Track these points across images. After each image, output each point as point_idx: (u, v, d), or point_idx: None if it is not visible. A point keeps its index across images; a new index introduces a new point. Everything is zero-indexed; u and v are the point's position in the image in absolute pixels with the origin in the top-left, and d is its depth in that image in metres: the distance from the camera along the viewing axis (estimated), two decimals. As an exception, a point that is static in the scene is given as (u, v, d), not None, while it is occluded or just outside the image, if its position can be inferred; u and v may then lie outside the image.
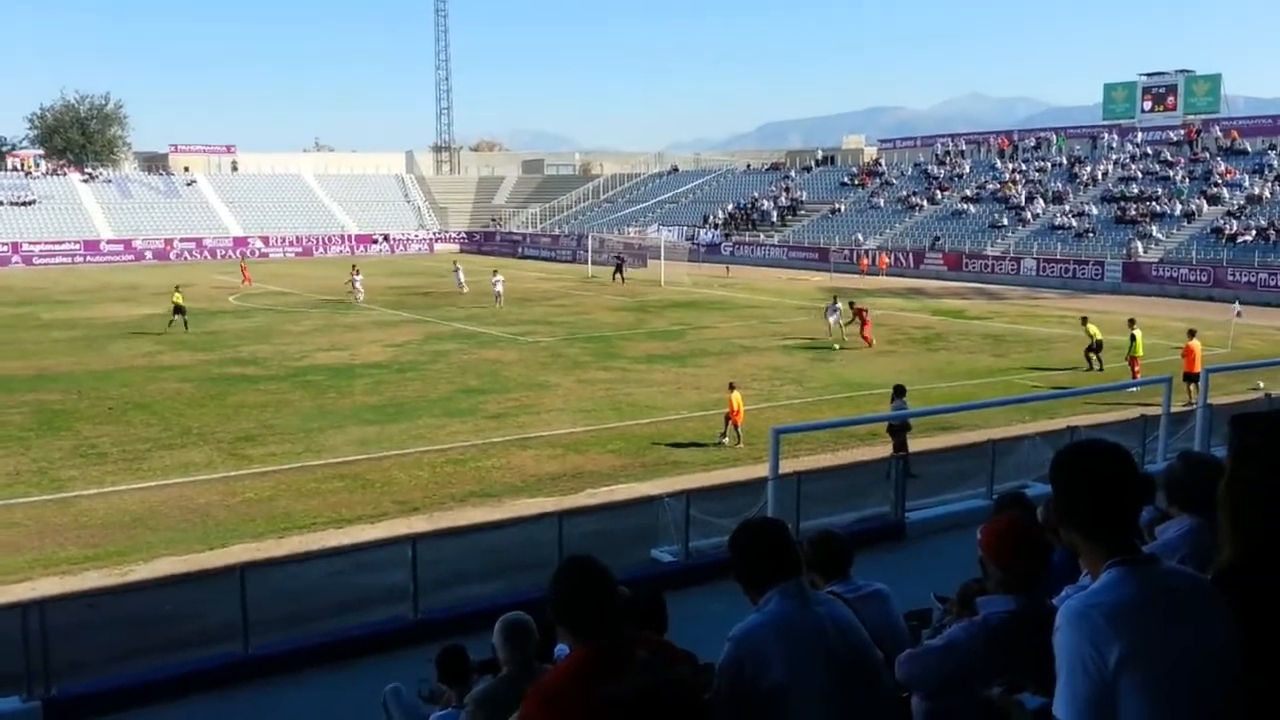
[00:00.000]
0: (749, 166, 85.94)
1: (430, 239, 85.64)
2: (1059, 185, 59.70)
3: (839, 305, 33.14)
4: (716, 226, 71.06)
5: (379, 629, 11.02)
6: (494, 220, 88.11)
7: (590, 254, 62.35)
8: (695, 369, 28.01)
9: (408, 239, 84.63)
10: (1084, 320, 28.35)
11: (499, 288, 43.12)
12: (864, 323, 31.65)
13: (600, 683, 2.91)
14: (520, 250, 76.88)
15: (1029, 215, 57.46)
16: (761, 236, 67.96)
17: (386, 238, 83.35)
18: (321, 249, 79.46)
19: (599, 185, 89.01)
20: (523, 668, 4.59)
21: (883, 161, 76.87)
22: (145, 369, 28.21)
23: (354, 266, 49.70)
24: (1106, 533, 2.46)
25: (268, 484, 17.54)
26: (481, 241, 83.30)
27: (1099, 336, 27.11)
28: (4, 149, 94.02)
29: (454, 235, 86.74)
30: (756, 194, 74.47)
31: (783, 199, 72.55)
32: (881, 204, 66.44)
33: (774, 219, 70.37)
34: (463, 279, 47.60)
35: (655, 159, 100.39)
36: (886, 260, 56.77)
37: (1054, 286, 48.96)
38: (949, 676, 3.43)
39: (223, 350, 31.36)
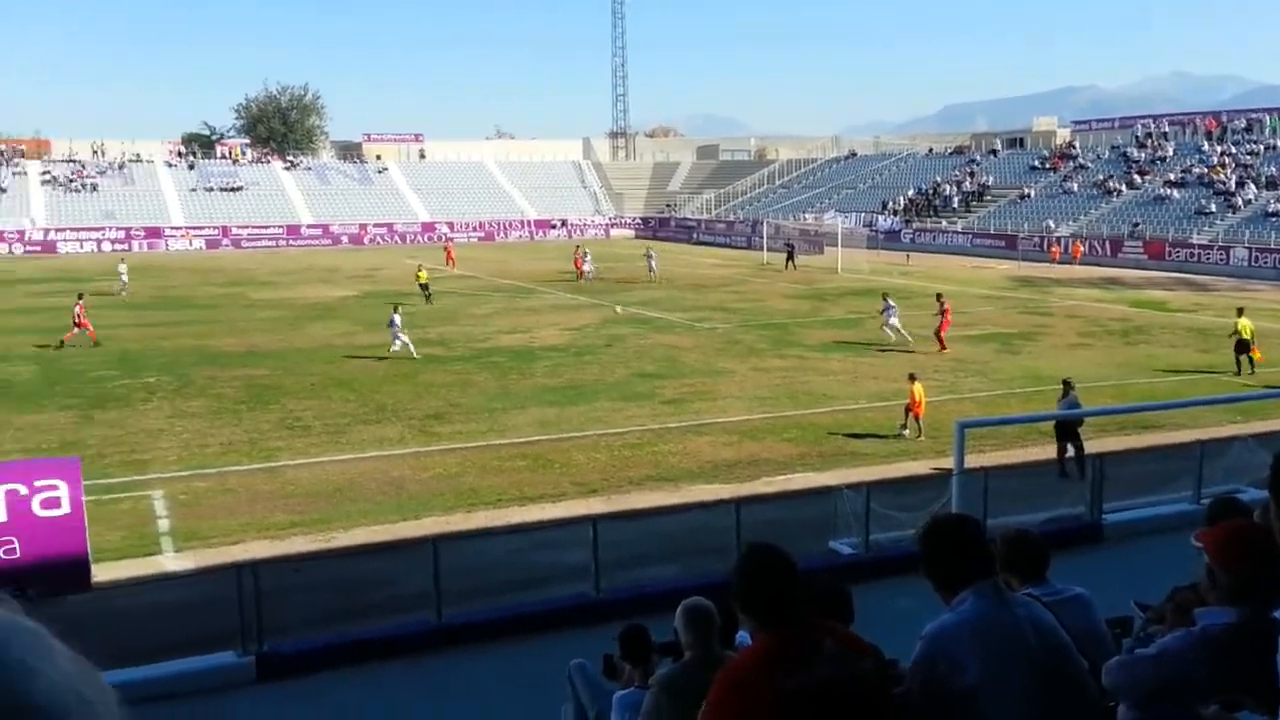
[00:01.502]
0: (931, 150, 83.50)
1: (606, 224, 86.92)
2: (1273, 169, 55.74)
3: (892, 304, 29.34)
4: (896, 213, 69.46)
5: (562, 605, 11.39)
6: (668, 206, 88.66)
7: (765, 240, 62.00)
8: (874, 358, 27.56)
9: (584, 224, 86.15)
10: (1240, 312, 25.58)
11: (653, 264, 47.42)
12: (942, 320, 28.15)
13: (785, 672, 2.93)
14: (694, 236, 77.14)
15: (1239, 201, 53.86)
16: (944, 223, 66.04)
17: (564, 223, 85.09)
18: (502, 234, 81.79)
19: (774, 171, 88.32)
20: (705, 653, 4.68)
21: (1076, 144, 73.41)
22: (343, 347, 29.74)
23: (578, 248, 52.24)
24: None
25: (455, 460, 18.27)
26: (656, 227, 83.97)
27: (1248, 333, 24.52)
28: (214, 138, 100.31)
29: (629, 221, 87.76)
30: (939, 179, 72.39)
31: (967, 184, 70.28)
32: (1075, 189, 63.48)
33: (956, 205, 68.31)
34: (655, 266, 48.17)
35: (832, 143, 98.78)
36: (1080, 248, 54.19)
37: (1268, 278, 45.68)
38: (1162, 687, 3.32)
39: (413, 331, 32.62)
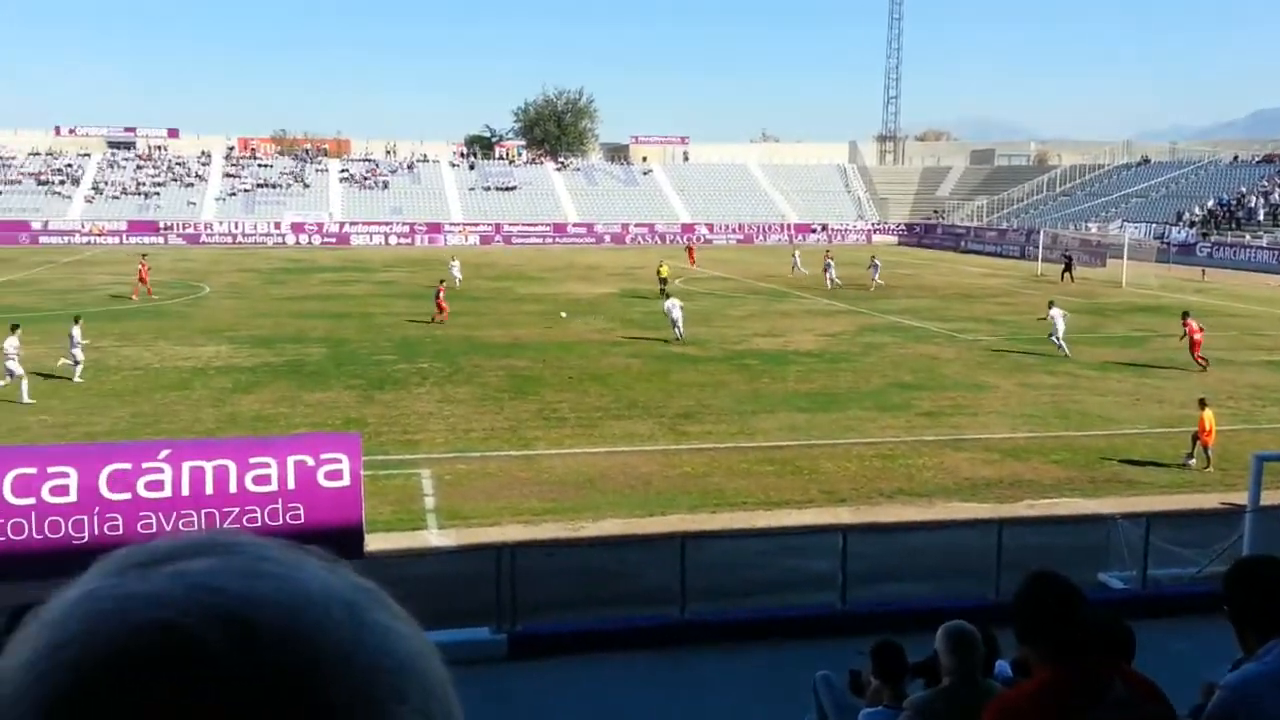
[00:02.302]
0: (1236, 158, 76.60)
1: (868, 230, 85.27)
2: None
3: (1054, 310, 28.78)
4: (1192, 224, 64.30)
5: (805, 613, 11.17)
6: (936, 213, 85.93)
7: (1041, 250, 58.86)
8: (1158, 380, 25.56)
9: (845, 229, 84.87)
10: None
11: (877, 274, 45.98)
12: (1192, 341, 26.40)
13: (1070, 711, 2.68)
14: (963, 244, 74.36)
15: None
16: (1247, 237, 60.45)
17: (824, 227, 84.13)
18: (761, 237, 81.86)
19: (1055, 177, 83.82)
20: (965, 680, 4.39)
21: (1407, 153, 65.57)
22: (600, 343, 30.54)
23: (827, 252, 52.18)
24: None
25: (703, 460, 18.32)
26: (921, 234, 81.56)
27: None
28: (494, 140, 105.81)
29: (892, 227, 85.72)
30: (1244, 189, 66.43)
31: (1276, 195, 64.13)
32: (1403, 203, 56.73)
33: (1262, 217, 62.42)
34: (877, 275, 46.73)
35: (1122, 148, 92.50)
36: None
37: None
38: None
39: (668, 330, 33.19)
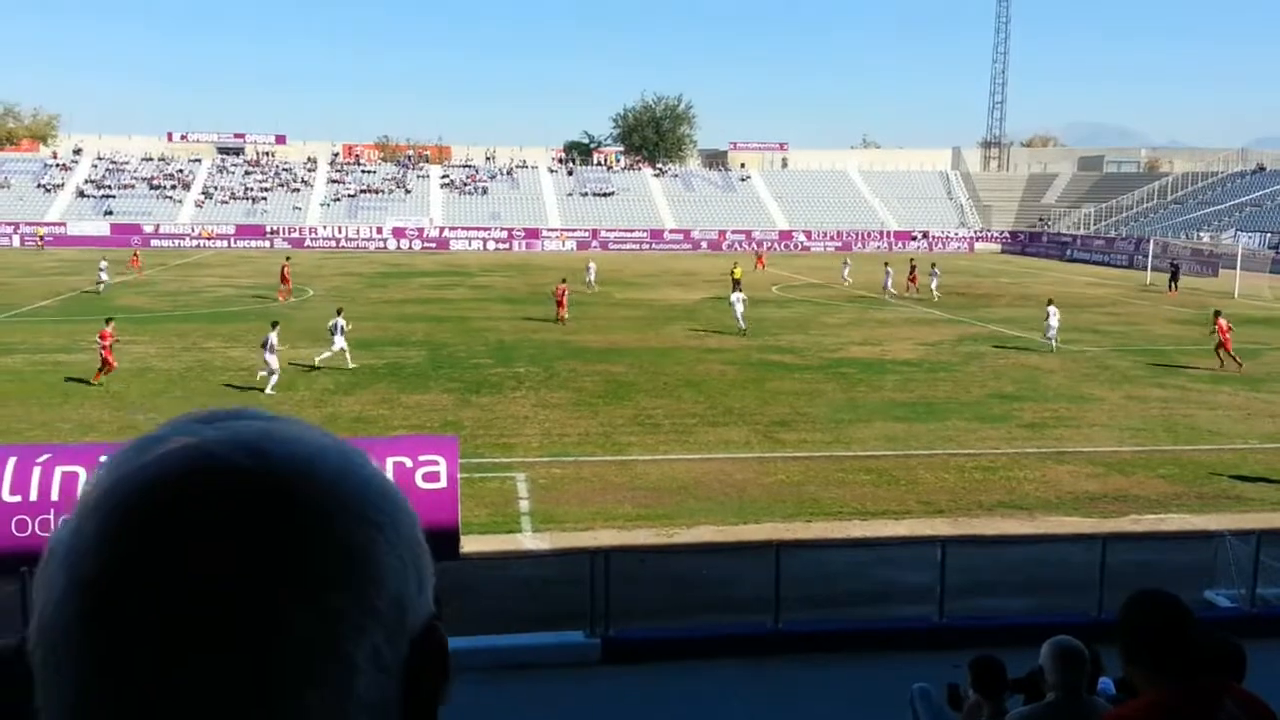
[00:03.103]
0: (1356, 165, 73.47)
1: (971, 238, 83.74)
2: None
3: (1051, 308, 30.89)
4: (1309, 233, 61.77)
5: (902, 626, 11.03)
6: (1041, 220, 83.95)
7: (1150, 259, 57.12)
8: (1272, 395, 24.61)
9: (947, 237, 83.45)
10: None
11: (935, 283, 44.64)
12: (1223, 339, 27.99)
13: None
14: (1069, 253, 72.57)
15: None
16: (1368, 247, 57.89)
17: (925, 235, 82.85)
18: (860, 244, 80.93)
19: (1167, 185, 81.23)
20: (1071, 697, 4.31)
21: None
22: (695, 350, 30.55)
23: (910, 262, 50.67)
24: None
25: (798, 468, 18.20)
26: (1026, 242, 79.79)
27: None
28: (592, 146, 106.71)
29: (996, 235, 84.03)
30: (1365, 197, 63.58)
31: (1401, 203, 61.27)
32: None
33: (1387, 226, 59.69)
34: (936, 282, 45.28)
35: (1238, 156, 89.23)
36: None
37: None
38: None
39: (764, 337, 33.08)
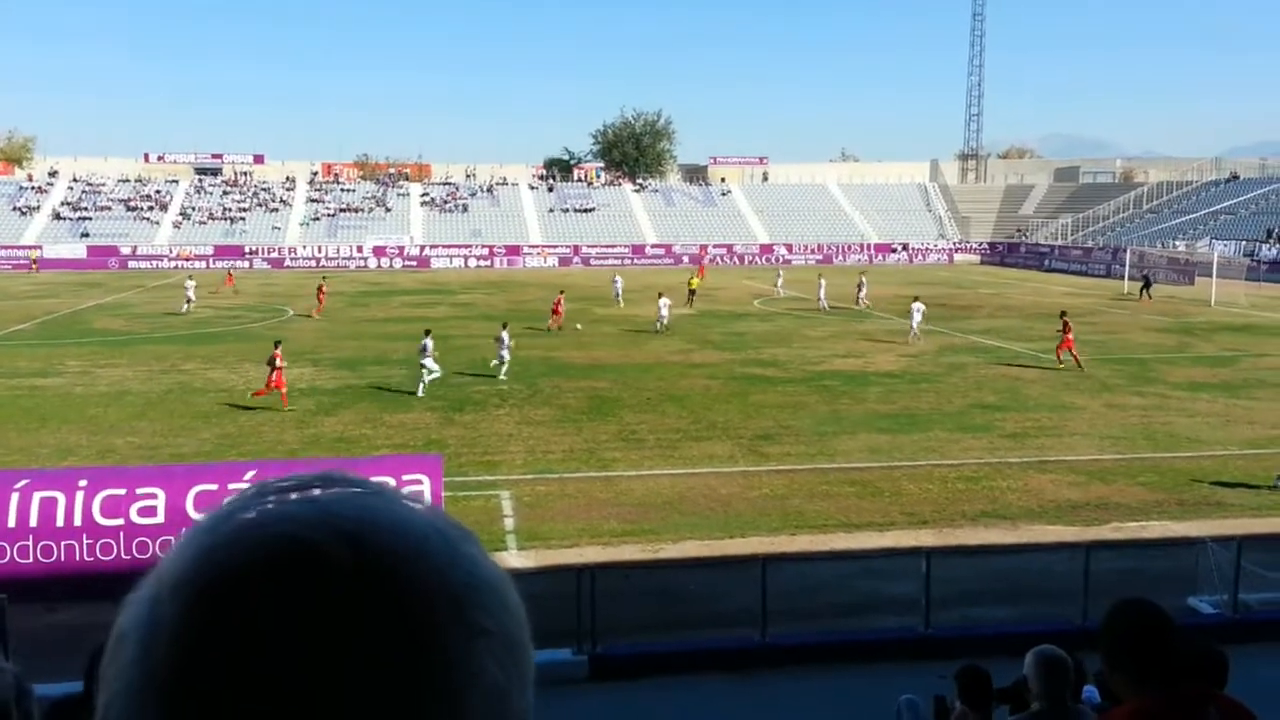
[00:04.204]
0: (1329, 173, 74.31)
1: (950, 249, 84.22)
2: None
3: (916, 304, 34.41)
4: (1283, 241, 62.41)
5: (888, 637, 11.06)
6: (1019, 231, 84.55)
7: (1127, 269, 57.62)
8: (1249, 401, 24.83)
9: (926, 249, 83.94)
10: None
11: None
12: (1065, 340, 29.42)
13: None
14: (1047, 263, 73.09)
15: None
16: (1341, 253, 58.54)
17: (905, 247, 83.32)
18: (840, 257, 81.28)
19: (1142, 194, 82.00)
20: (1056, 706, 4.34)
21: None
22: (678, 365, 30.58)
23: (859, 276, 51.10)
24: None
25: (782, 482, 18.23)
26: (1004, 253, 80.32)
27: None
28: (573, 162, 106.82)
29: (975, 246, 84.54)
30: (1338, 204, 64.30)
31: (1373, 210, 62.01)
32: None
33: (1359, 233, 60.37)
34: (863, 294, 47.03)
35: (1212, 165, 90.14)
36: None
37: None
38: None
39: (746, 351, 33.16)
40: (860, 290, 47.30)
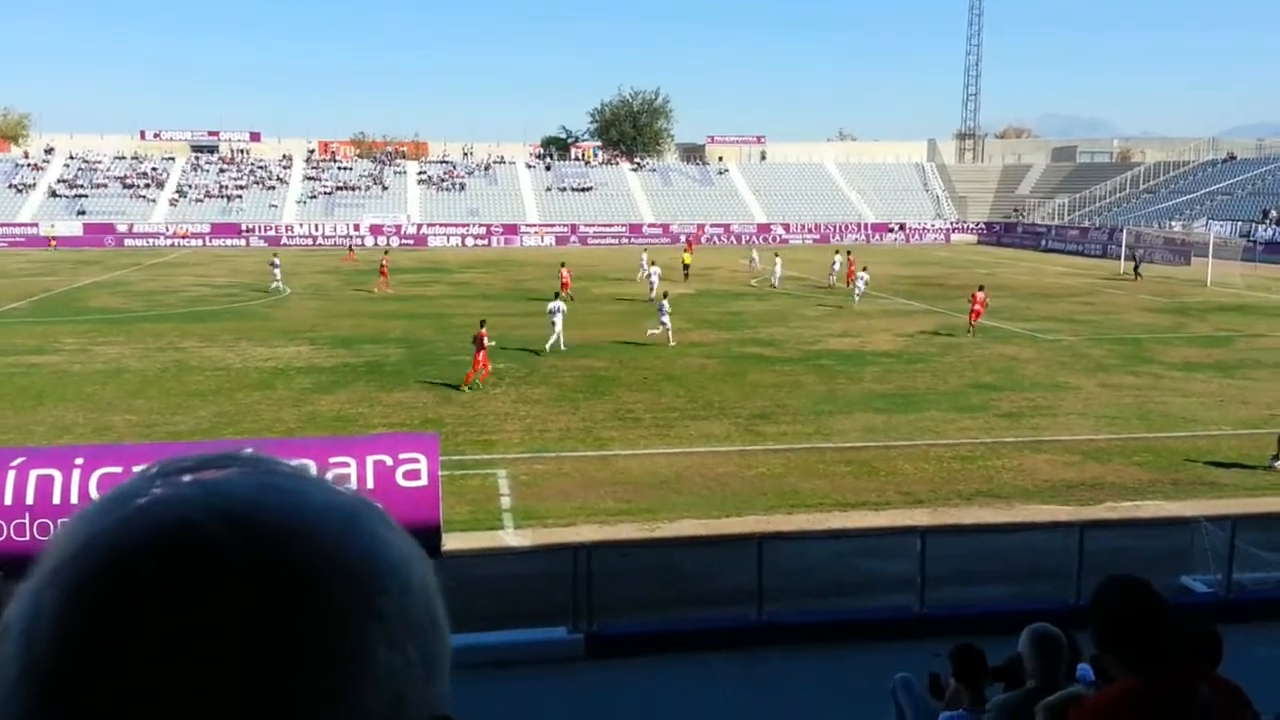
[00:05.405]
0: (1326, 153, 74.18)
1: (947, 229, 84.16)
2: None
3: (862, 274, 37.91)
4: (1279, 222, 62.36)
5: (883, 616, 11.11)
6: (1016, 211, 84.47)
7: (1123, 249, 57.65)
8: (1243, 381, 24.89)
9: (923, 229, 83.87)
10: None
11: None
12: (973, 310, 31.68)
13: (1157, 717, 2.66)
14: (1044, 243, 73.07)
15: None
16: (1338, 234, 58.54)
17: (902, 227, 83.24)
18: (838, 236, 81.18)
19: (1139, 174, 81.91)
20: (1050, 683, 4.37)
21: None
22: (675, 345, 30.56)
23: (846, 253, 50.99)
24: None
25: (779, 461, 18.28)
26: (1001, 233, 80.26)
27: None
28: (570, 141, 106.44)
29: (972, 226, 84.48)
30: (1335, 184, 64.26)
31: (1370, 190, 61.96)
32: None
33: (1357, 213, 60.37)
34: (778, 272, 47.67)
35: (1208, 145, 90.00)
36: None
37: None
38: None
39: (743, 330, 33.17)
40: (834, 267, 47.56)
